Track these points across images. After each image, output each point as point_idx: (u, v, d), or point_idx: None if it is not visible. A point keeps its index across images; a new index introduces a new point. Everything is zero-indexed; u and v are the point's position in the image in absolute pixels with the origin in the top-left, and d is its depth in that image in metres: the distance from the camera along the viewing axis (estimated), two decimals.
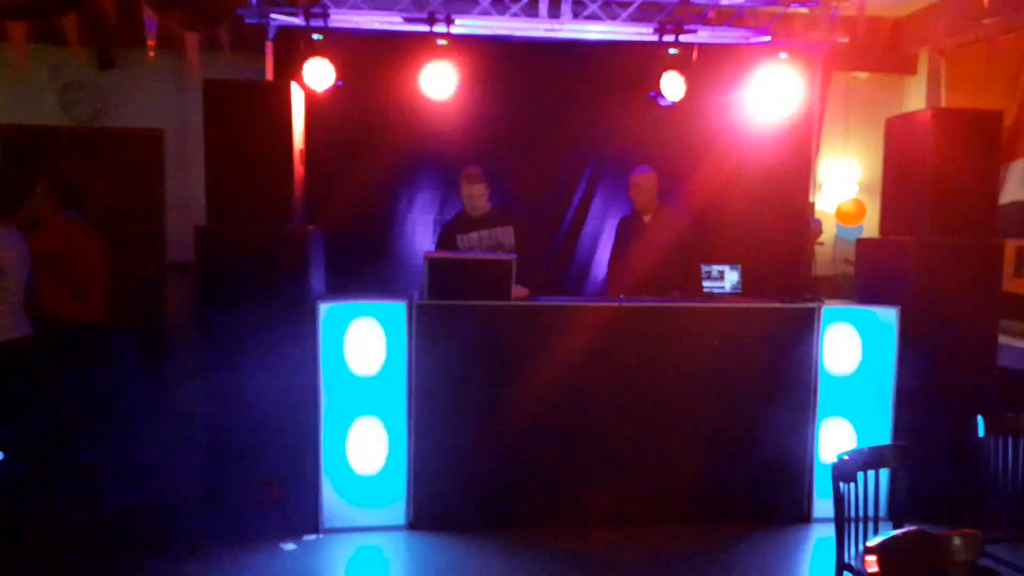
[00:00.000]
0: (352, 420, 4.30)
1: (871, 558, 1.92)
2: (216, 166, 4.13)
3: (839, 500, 2.84)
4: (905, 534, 2.05)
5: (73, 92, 6.13)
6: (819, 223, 6.67)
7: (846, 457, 2.87)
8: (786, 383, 4.56)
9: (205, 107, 4.11)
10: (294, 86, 4.33)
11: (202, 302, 4.13)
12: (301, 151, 4.44)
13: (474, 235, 4.96)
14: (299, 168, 4.39)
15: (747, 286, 4.88)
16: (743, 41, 5.52)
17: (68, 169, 6.01)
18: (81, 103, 6.15)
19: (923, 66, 6.76)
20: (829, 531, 4.35)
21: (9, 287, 4.05)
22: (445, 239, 5.03)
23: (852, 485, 2.86)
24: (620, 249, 5.41)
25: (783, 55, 5.32)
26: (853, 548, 2.92)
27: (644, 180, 5.22)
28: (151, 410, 5.69)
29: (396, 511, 4.36)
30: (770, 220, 5.87)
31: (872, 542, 1.99)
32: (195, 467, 4.43)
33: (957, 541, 2.07)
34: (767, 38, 5.47)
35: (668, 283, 4.93)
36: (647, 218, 5.29)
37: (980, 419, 3.53)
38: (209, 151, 4.12)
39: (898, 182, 4.88)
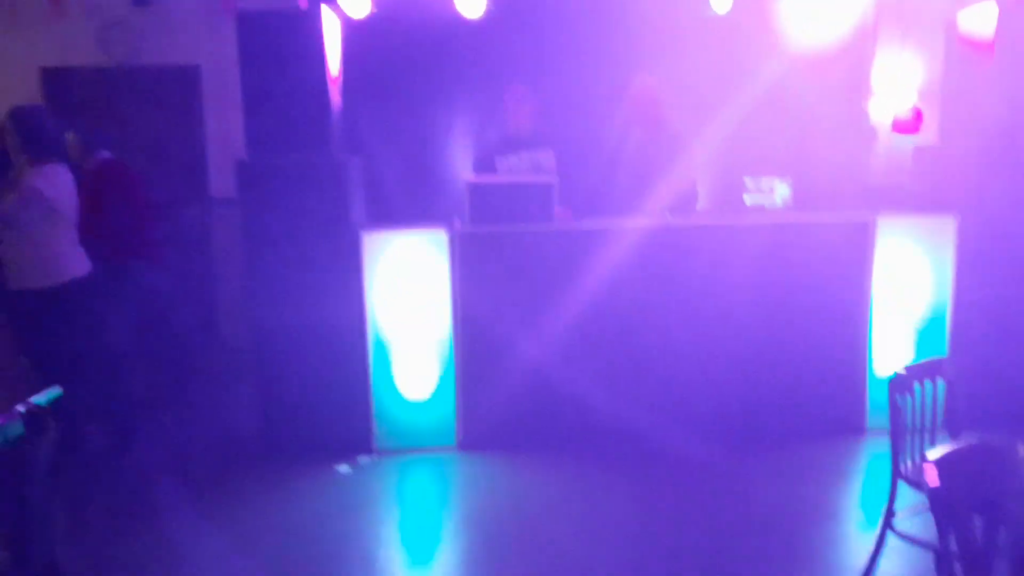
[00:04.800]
0: (400, 346, 4.34)
1: (932, 471, 1.87)
2: (253, 98, 4.10)
3: (895, 412, 2.78)
4: (969, 447, 1.99)
5: (110, 31, 6.11)
6: (875, 131, 6.41)
7: (903, 371, 2.80)
8: (839, 297, 4.46)
9: (240, 39, 4.06)
10: (327, 12, 4.24)
11: (247, 235, 4.15)
12: (337, 79, 4.38)
13: (513, 157, 4.88)
14: (336, 96, 4.33)
15: (799, 199, 4.73)
16: None
17: (108, 109, 6.04)
18: (118, 41, 6.13)
19: None
20: (883, 443, 4.36)
21: (64, 224, 4.10)
22: (484, 162, 4.95)
23: (909, 397, 2.80)
24: (612, 163, 5.11)
25: None
26: (909, 459, 2.88)
27: (644, 91, 4.85)
28: (204, 345, 5.84)
29: (446, 432, 4.43)
30: (825, 129, 5.66)
31: (933, 454, 1.94)
32: (250, 398, 4.55)
33: (1022, 451, 2.00)
34: None
35: (657, 204, 4.62)
36: (644, 132, 4.91)
37: None
38: (246, 83, 4.09)
39: (959, 85, 4.64)
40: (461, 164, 5.59)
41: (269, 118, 4.11)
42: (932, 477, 1.86)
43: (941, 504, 1.92)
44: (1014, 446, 2.01)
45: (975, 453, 2.02)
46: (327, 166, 4.15)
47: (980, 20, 4.46)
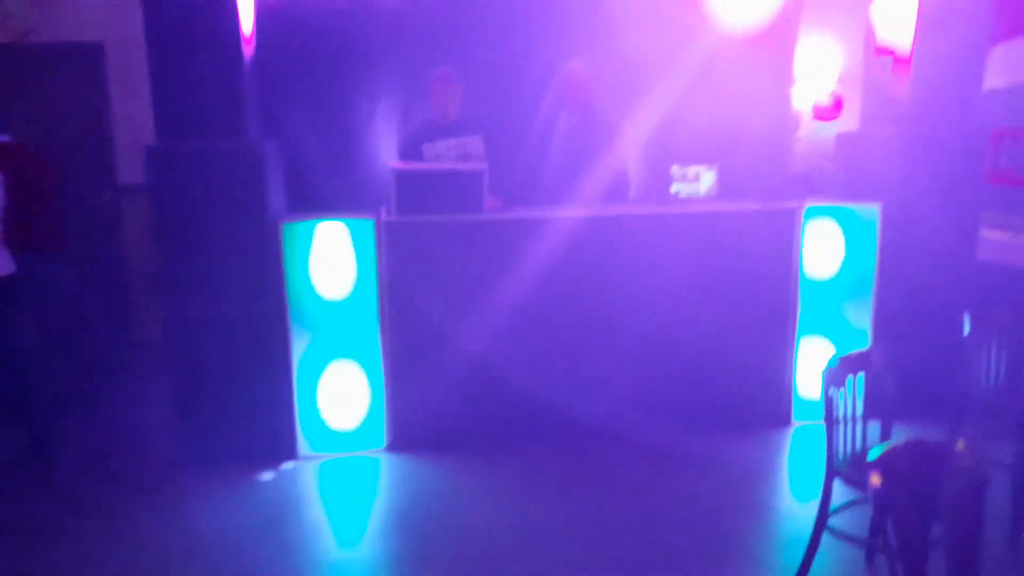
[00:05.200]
0: (324, 342, 4.16)
1: (874, 473, 1.84)
2: (161, 79, 3.84)
3: (829, 406, 2.78)
4: (905, 445, 1.97)
5: (3, 6, 5.68)
6: (798, 117, 6.49)
7: (836, 363, 2.79)
8: (766, 284, 4.48)
9: (145, 16, 3.78)
10: None
11: (156, 225, 3.90)
12: (251, 60, 4.14)
13: (441, 144, 4.72)
14: (250, 79, 4.10)
15: (724, 187, 4.72)
16: None
17: (3, 88, 5.63)
18: (12, 17, 5.70)
19: None
20: (810, 433, 4.44)
21: None
22: (410, 148, 4.77)
23: (841, 390, 2.79)
24: (540, 151, 5.04)
25: None
26: (842, 454, 2.88)
27: (577, 77, 4.77)
28: (115, 341, 5.52)
29: (375, 434, 4.28)
30: (749, 117, 5.68)
31: (873, 456, 1.92)
32: (166, 399, 4.30)
33: (959, 446, 1.99)
34: None
35: (587, 193, 4.57)
36: (573, 119, 4.86)
37: (967, 317, 3.48)
38: (153, 63, 3.82)
39: (880, 72, 4.69)
40: (386, 150, 5.39)
41: (179, 101, 3.86)
42: (876, 481, 1.83)
43: (881, 503, 1.90)
44: (952, 442, 2.00)
45: (913, 450, 2.00)
46: (242, 152, 3.92)
47: (898, 7, 4.52)
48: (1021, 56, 5.46)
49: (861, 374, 2.89)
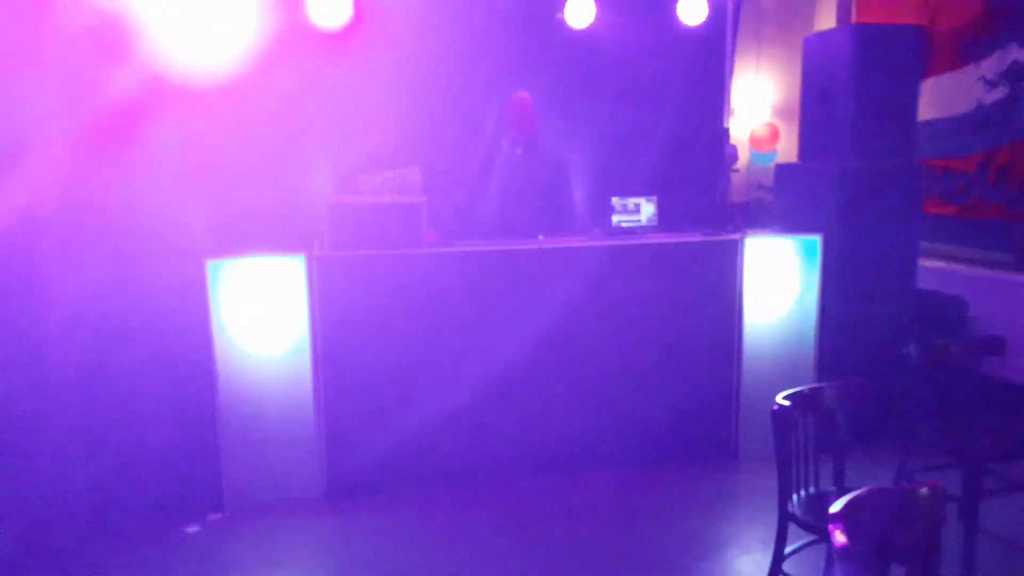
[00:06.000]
0: (254, 384, 3.93)
1: (838, 529, 1.74)
2: None
3: (780, 446, 2.68)
4: (867, 493, 1.87)
5: None
6: (735, 149, 6.53)
7: (787, 403, 2.70)
8: (708, 317, 4.42)
9: None
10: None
11: (72, 262, 3.64)
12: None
13: (377, 176, 4.56)
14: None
15: (664, 218, 4.68)
16: None
17: None
18: None
19: None
20: (757, 468, 4.36)
21: None
22: (346, 180, 4.60)
23: (793, 430, 2.70)
24: (482, 183, 4.99)
25: None
26: (795, 495, 2.79)
27: (522, 107, 4.74)
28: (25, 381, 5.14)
29: (309, 480, 4.05)
30: (685, 148, 5.68)
31: (835, 508, 1.81)
32: (78, 446, 3.99)
33: (923, 493, 1.91)
34: None
35: (531, 226, 4.53)
36: (518, 151, 4.83)
37: (912, 347, 3.45)
38: None
39: (816, 104, 4.72)
40: (324, 183, 5.20)
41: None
42: (840, 538, 1.73)
43: (843, 554, 1.80)
44: (915, 489, 1.92)
45: (874, 498, 1.91)
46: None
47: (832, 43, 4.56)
48: (951, 89, 5.59)
49: (812, 411, 2.82)
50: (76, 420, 3.86)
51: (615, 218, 4.60)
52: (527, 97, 4.74)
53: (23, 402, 3.72)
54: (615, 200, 4.63)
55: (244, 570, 3.46)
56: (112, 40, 3.74)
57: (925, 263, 5.39)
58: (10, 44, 3.43)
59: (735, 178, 6.83)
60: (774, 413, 2.68)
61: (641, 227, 4.58)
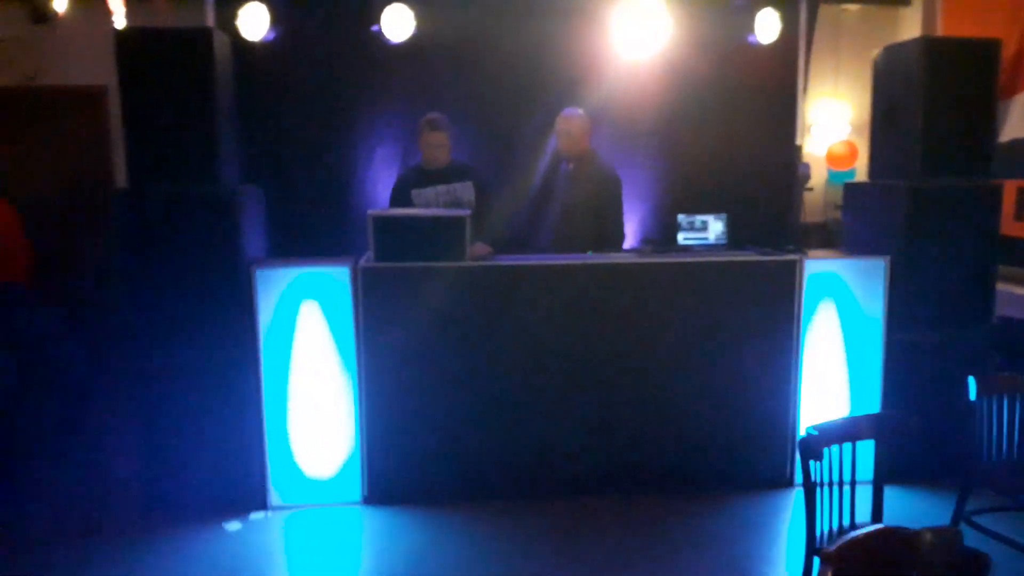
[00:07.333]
0: (299, 391, 4.01)
1: (826, 568, 1.62)
2: (135, 123, 3.77)
3: (808, 479, 2.54)
4: (869, 534, 1.75)
5: (7, 50, 5.74)
6: (807, 167, 6.30)
7: (815, 432, 2.56)
8: (767, 341, 4.24)
9: (118, 58, 3.73)
10: (219, 34, 3.94)
11: (125, 270, 3.81)
12: (231, 105, 4.07)
13: (430, 191, 4.61)
14: (229, 124, 4.02)
15: (734, 236, 4.55)
16: None
17: (8, 132, 5.67)
18: (16, 61, 5.76)
19: None
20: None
21: None
22: (399, 195, 4.67)
23: (822, 463, 2.56)
24: (537, 199, 5.04)
25: None
26: (826, 526, 2.64)
27: (572, 124, 4.66)
28: (91, 382, 5.42)
29: (350, 486, 4.09)
30: (756, 166, 5.53)
31: (829, 548, 1.69)
32: (133, 448, 4.16)
33: (929, 538, 1.76)
34: None
35: (580, 242, 4.47)
36: (570, 166, 4.77)
37: (971, 380, 3.22)
38: (126, 106, 3.76)
39: (885, 120, 4.49)
40: (383, 196, 5.31)
41: (154, 145, 3.79)
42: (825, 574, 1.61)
43: None
44: (921, 534, 1.77)
45: (876, 540, 1.78)
46: (214, 197, 3.83)
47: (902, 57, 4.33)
48: None
49: (849, 442, 2.66)
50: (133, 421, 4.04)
51: (681, 236, 4.51)
52: (576, 113, 4.70)
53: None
54: (682, 217, 4.54)
55: (279, 567, 3.56)
56: None
57: (1013, 289, 5.04)
58: None
59: (810, 197, 6.59)
60: (799, 443, 2.55)
61: (707, 245, 4.47)
